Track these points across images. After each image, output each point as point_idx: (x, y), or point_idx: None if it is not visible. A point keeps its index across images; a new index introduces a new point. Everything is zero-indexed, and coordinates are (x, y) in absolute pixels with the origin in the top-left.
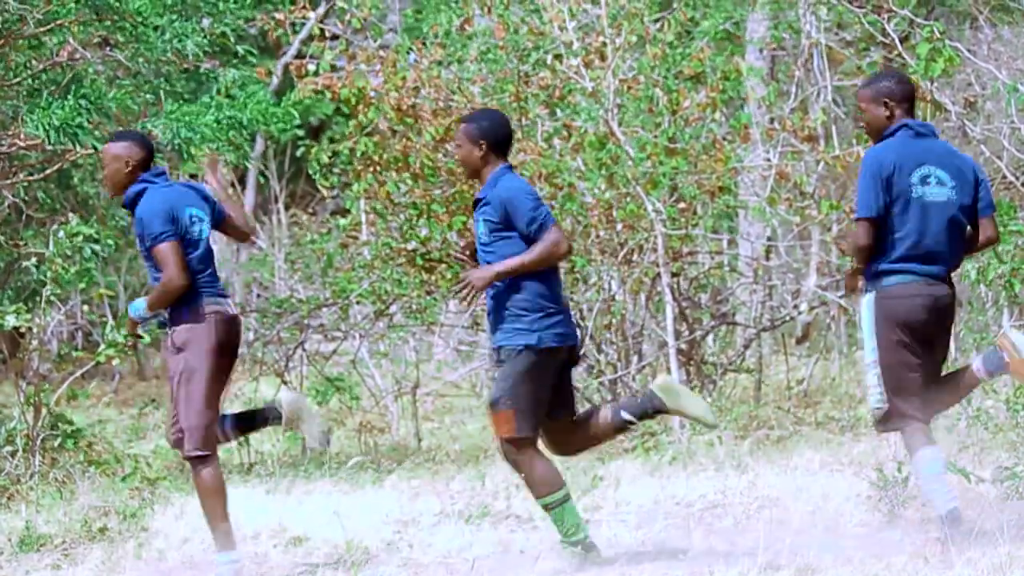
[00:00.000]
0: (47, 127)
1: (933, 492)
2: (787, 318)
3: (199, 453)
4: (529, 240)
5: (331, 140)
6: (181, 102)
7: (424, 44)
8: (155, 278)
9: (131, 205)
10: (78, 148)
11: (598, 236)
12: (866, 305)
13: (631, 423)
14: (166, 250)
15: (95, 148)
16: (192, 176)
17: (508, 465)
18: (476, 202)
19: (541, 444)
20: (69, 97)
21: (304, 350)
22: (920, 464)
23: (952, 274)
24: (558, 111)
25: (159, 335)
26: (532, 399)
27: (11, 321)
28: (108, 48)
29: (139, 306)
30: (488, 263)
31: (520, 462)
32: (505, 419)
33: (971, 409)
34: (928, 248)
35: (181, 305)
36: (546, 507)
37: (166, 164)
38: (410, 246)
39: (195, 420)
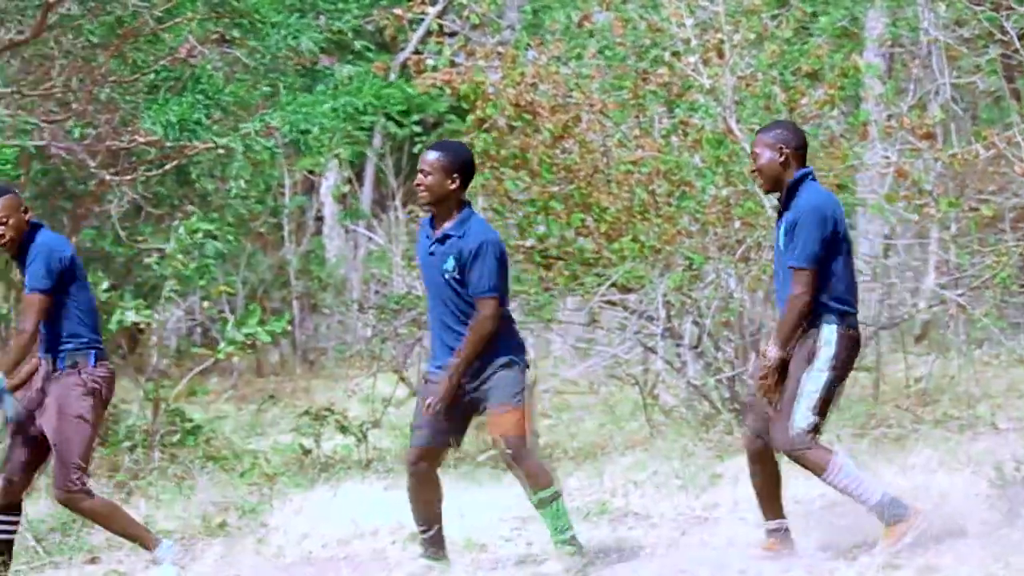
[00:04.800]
0: (164, 124)
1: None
2: (905, 316)
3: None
4: None
5: (443, 137)
6: (297, 95)
7: (542, 41)
8: None
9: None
10: (196, 144)
11: (716, 233)
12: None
13: None
14: None
15: (214, 143)
16: (310, 172)
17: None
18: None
19: None
20: (186, 93)
21: (422, 346)
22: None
23: None
24: (676, 108)
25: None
26: None
27: (131, 317)
28: (226, 45)
29: None
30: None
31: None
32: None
33: None
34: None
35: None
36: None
37: (282, 159)
38: (528, 243)
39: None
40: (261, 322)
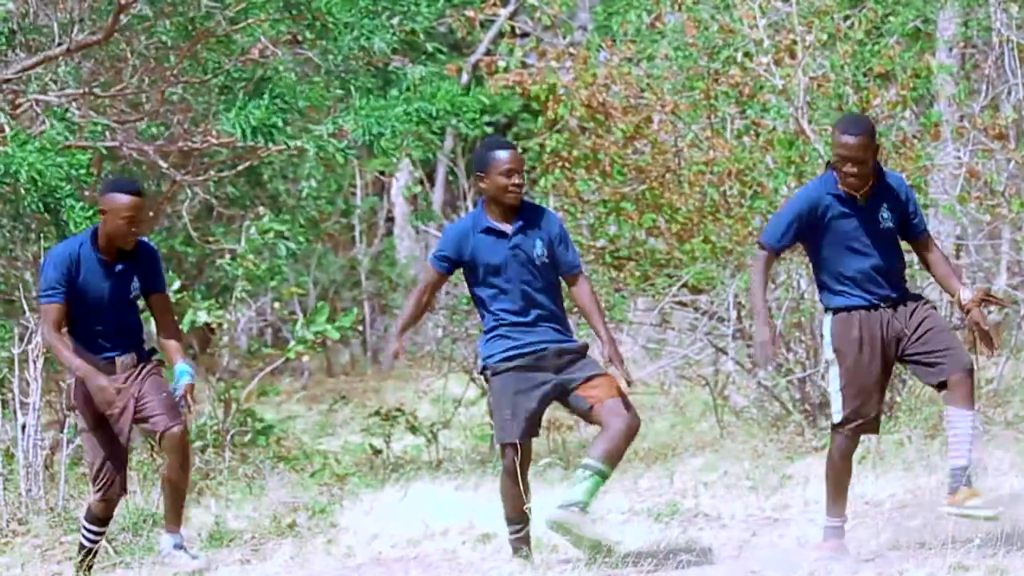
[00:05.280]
0: (243, 126)
1: None
2: None
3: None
4: None
5: (517, 137)
6: (370, 97)
7: (614, 42)
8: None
9: None
10: (271, 146)
11: None
12: None
13: None
14: None
15: (287, 145)
16: (381, 173)
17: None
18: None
19: None
20: (264, 96)
21: None
22: None
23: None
24: (748, 109)
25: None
26: None
27: (203, 317)
28: (298, 45)
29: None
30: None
31: None
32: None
33: None
34: None
35: None
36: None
37: (354, 159)
38: (599, 243)
39: None
40: (330, 319)
